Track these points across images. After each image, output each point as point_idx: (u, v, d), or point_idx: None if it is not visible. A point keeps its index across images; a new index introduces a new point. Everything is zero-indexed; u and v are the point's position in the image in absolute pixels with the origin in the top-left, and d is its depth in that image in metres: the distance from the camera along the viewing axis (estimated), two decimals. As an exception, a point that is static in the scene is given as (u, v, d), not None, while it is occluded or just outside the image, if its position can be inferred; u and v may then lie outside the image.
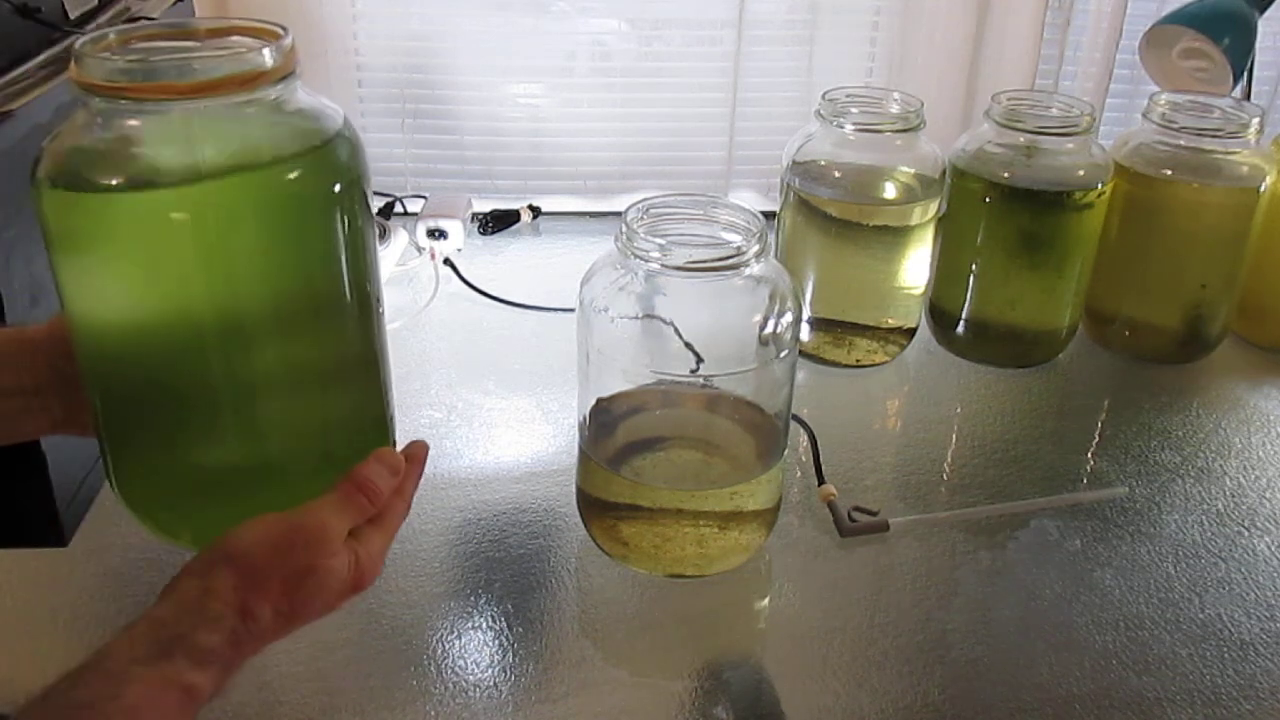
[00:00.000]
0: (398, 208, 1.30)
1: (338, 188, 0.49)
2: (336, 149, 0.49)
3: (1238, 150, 0.98)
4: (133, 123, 0.46)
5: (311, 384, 0.53)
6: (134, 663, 0.42)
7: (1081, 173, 0.97)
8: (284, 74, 0.47)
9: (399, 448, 0.56)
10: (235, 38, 0.49)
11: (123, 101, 0.45)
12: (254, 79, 0.46)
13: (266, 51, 0.46)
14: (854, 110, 0.97)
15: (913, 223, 0.98)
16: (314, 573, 0.48)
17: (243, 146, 0.48)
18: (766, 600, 0.78)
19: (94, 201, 0.46)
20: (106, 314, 0.49)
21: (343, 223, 0.50)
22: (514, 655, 0.70)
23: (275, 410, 0.51)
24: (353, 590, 0.50)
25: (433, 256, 1.18)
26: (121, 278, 0.48)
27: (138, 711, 0.41)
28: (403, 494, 0.55)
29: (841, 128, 0.96)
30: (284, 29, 0.49)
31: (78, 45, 0.46)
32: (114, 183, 0.46)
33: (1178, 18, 1.16)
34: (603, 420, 0.75)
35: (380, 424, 0.58)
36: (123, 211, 0.46)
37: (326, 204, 0.49)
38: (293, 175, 0.48)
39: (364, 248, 0.52)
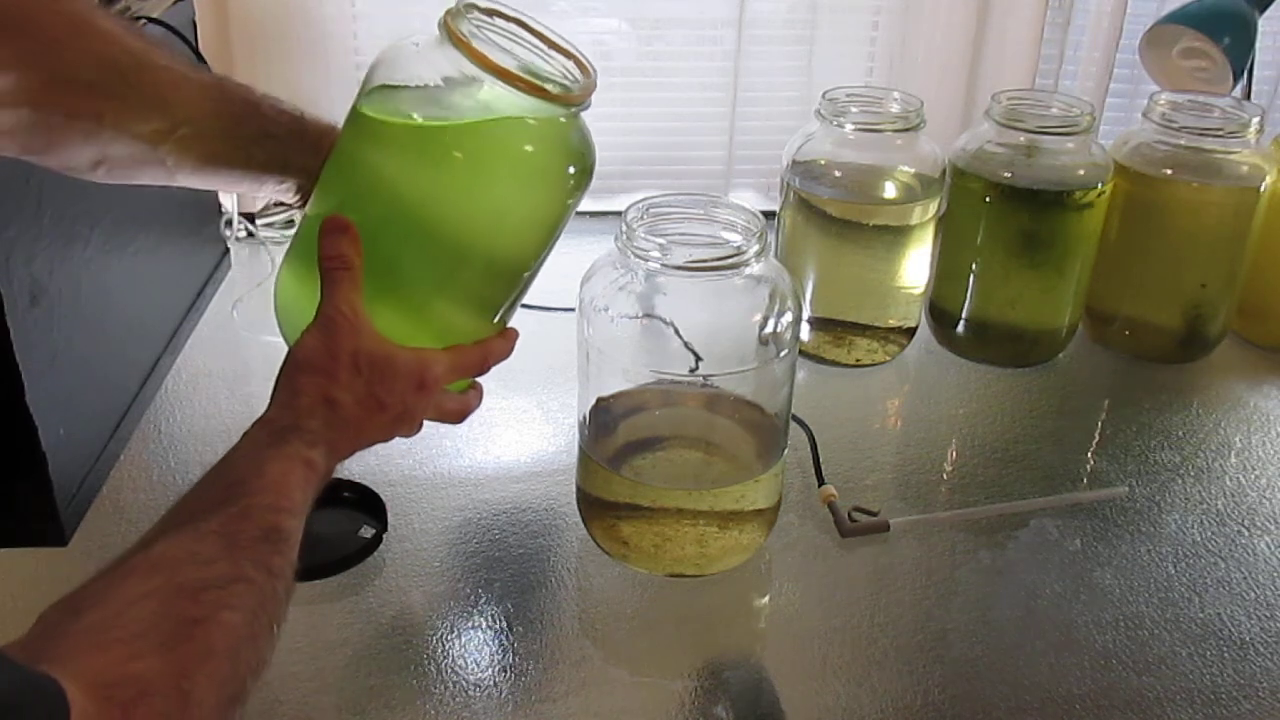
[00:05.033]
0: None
1: (572, 170, 0.61)
2: (575, 137, 0.61)
3: (1238, 150, 0.98)
4: (455, 75, 0.58)
5: (466, 301, 0.63)
6: (263, 449, 0.53)
7: (1082, 172, 0.97)
8: (578, 103, 0.59)
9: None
10: (561, 57, 0.61)
11: (464, 59, 0.56)
12: (557, 98, 0.58)
13: (582, 85, 0.59)
14: (854, 110, 0.97)
15: (913, 222, 0.98)
16: (381, 365, 0.58)
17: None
18: (766, 600, 0.78)
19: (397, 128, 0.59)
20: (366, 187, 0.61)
21: (556, 204, 0.62)
22: (514, 655, 0.69)
23: (428, 307, 0.62)
24: (420, 389, 0.60)
25: (433, 256, 1.18)
26: (393, 179, 0.60)
27: (278, 483, 0.51)
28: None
29: (841, 127, 0.96)
30: (594, 70, 0.61)
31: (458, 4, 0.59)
32: (414, 116, 0.59)
33: (1178, 17, 1.16)
34: (603, 420, 0.75)
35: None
36: (417, 137, 0.59)
37: (558, 179, 0.61)
38: (532, 149, 0.60)
39: (556, 231, 0.64)
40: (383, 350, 0.58)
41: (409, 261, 0.61)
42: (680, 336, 0.70)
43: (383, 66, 0.61)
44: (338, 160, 0.62)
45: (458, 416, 0.65)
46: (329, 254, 0.58)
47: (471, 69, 0.56)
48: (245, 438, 0.55)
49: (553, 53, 0.61)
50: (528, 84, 0.56)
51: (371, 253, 0.59)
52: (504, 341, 0.66)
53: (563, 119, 0.59)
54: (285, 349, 0.60)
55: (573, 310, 0.74)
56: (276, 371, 0.58)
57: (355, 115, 0.61)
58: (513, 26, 0.61)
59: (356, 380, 0.57)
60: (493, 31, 0.59)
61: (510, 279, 0.64)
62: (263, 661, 0.47)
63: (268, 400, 0.58)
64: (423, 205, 0.59)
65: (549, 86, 0.57)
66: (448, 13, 0.58)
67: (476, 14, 0.59)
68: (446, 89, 0.58)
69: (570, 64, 0.61)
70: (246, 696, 0.45)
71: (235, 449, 0.54)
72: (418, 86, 0.59)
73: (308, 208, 0.64)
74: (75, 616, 0.42)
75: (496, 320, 0.66)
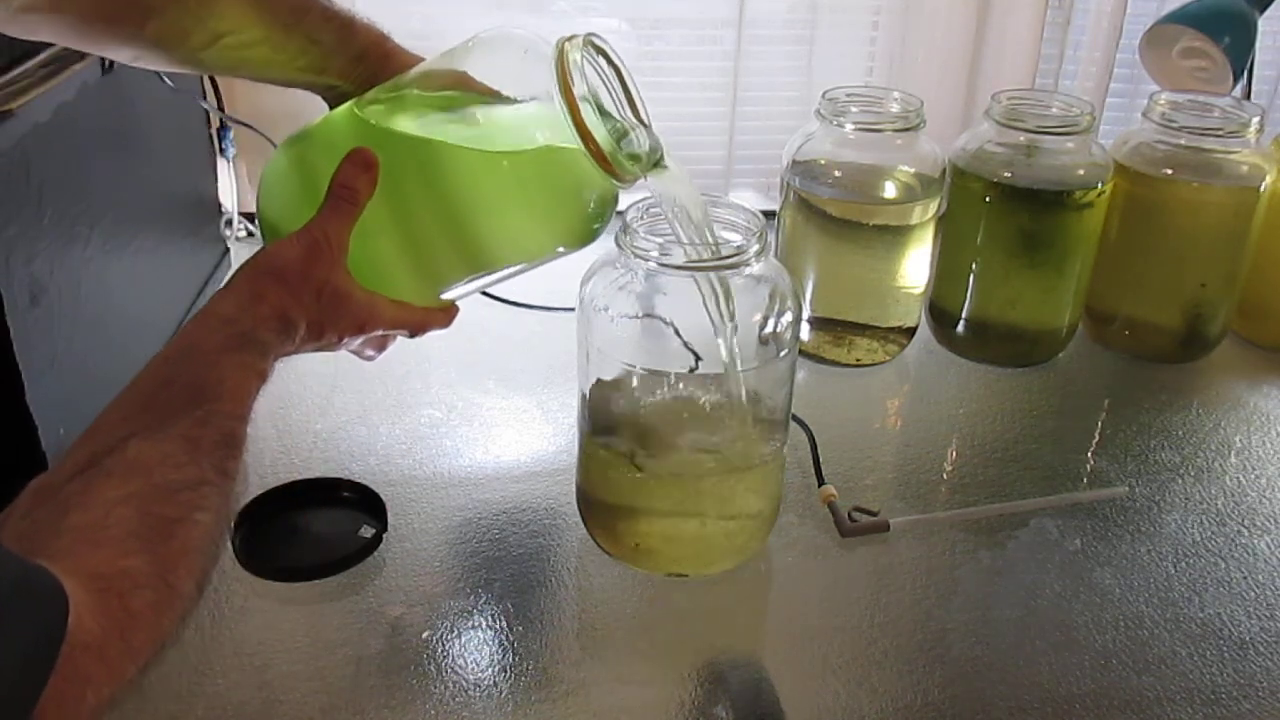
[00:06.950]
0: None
1: (594, 220, 0.64)
2: (609, 197, 0.64)
3: (1238, 150, 0.98)
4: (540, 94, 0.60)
5: (436, 279, 0.67)
6: (222, 352, 0.55)
7: (1081, 172, 0.97)
8: (629, 184, 0.61)
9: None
10: (635, 121, 0.64)
11: (558, 96, 0.58)
12: (615, 174, 0.60)
13: (634, 171, 0.60)
14: (854, 109, 0.97)
15: (913, 222, 0.98)
16: (339, 300, 0.61)
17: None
18: (766, 600, 0.78)
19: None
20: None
21: (566, 242, 0.64)
22: (514, 655, 0.69)
23: (400, 267, 0.65)
24: (359, 331, 0.63)
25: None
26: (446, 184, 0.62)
27: (235, 392, 0.54)
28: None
29: (841, 127, 0.96)
30: (662, 148, 0.63)
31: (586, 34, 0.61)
32: (478, 118, 0.63)
33: (1178, 17, 1.16)
34: (602, 419, 0.74)
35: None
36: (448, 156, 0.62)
37: (579, 227, 0.64)
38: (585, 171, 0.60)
39: (551, 259, 0.66)
40: (345, 287, 0.61)
41: (404, 224, 0.63)
42: (680, 336, 0.70)
43: (480, 50, 0.63)
44: (389, 117, 0.63)
45: (374, 356, 0.69)
46: (343, 182, 0.61)
47: (560, 107, 0.58)
48: (204, 330, 0.56)
49: (630, 115, 0.63)
50: (598, 152, 0.58)
51: (376, 197, 0.61)
52: (445, 315, 0.69)
53: (606, 182, 0.61)
54: None
55: (572, 310, 0.74)
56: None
57: (422, 106, 0.63)
58: (611, 73, 0.63)
59: (314, 306, 0.60)
60: (592, 69, 0.61)
61: (485, 275, 0.68)
62: (220, 553, 0.52)
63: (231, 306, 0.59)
64: (445, 191, 0.61)
65: (616, 165, 0.59)
66: (566, 41, 0.59)
67: (590, 50, 0.61)
68: (515, 100, 0.62)
69: (643, 132, 0.63)
70: (208, 583, 0.51)
71: (195, 345, 0.56)
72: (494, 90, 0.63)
73: (336, 111, 0.65)
74: (62, 514, 0.45)
75: (448, 297, 0.69)
